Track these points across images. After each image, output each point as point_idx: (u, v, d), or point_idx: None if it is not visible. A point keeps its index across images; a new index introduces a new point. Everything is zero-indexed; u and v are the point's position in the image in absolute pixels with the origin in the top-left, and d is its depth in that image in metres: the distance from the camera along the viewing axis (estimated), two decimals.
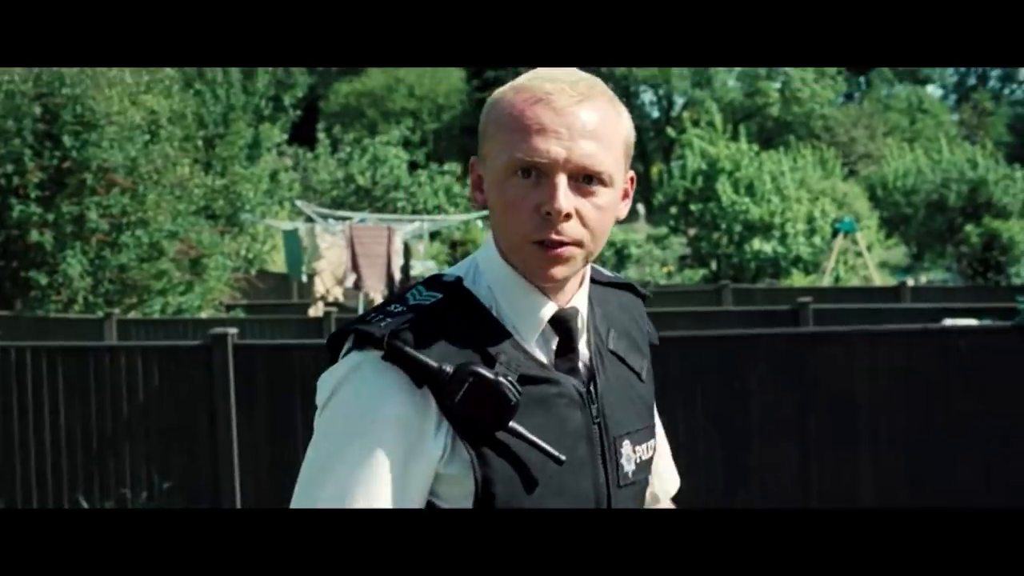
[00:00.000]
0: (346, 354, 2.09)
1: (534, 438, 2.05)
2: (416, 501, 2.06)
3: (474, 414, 2.02)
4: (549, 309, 2.15)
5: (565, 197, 2.04)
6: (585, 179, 2.07)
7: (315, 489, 2.10)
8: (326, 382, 2.11)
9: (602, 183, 2.09)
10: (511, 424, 2.03)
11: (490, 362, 2.05)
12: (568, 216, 2.05)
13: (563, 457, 2.06)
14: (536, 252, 2.07)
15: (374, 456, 2.02)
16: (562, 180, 2.05)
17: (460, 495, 2.06)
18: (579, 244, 2.09)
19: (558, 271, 2.10)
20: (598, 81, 2.16)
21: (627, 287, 2.43)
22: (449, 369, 2.01)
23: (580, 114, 2.07)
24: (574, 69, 2.17)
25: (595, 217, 2.09)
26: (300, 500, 2.13)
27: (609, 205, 2.11)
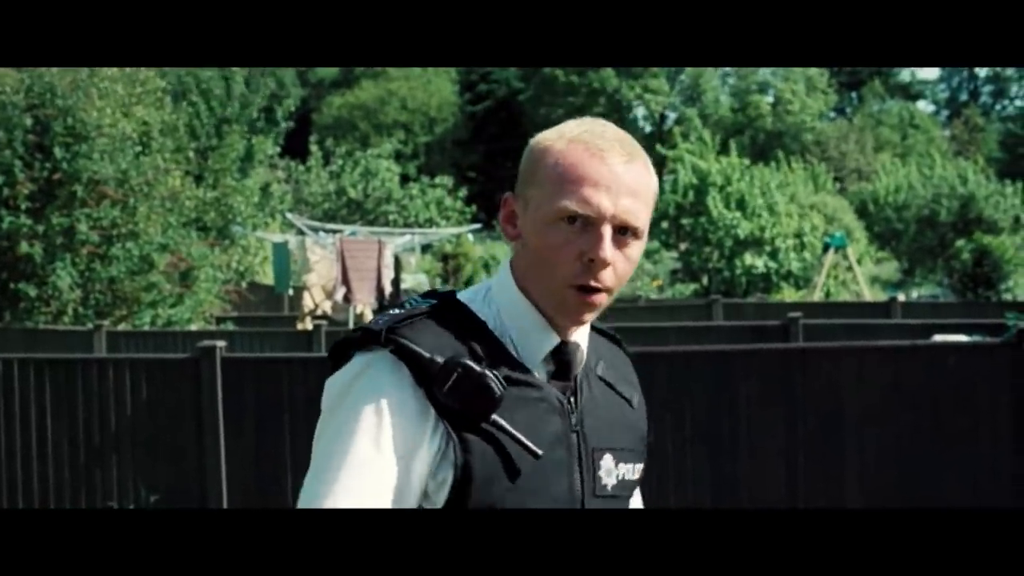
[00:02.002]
0: (351, 358, 2.19)
1: (514, 431, 2.14)
2: (416, 490, 2.13)
3: (460, 404, 2.11)
4: (553, 342, 2.27)
5: (609, 247, 2.18)
6: (622, 231, 2.21)
7: (327, 481, 2.13)
8: (336, 382, 2.20)
9: (636, 236, 2.23)
10: (494, 417, 2.12)
11: (477, 360, 2.15)
12: (608, 265, 2.19)
13: (540, 452, 2.15)
14: (575, 296, 2.21)
15: (383, 445, 2.11)
16: (607, 231, 2.19)
17: (445, 495, 2.14)
18: (610, 291, 2.23)
19: (588, 315, 2.26)
20: (637, 143, 2.29)
21: (616, 340, 2.54)
22: (440, 360, 2.12)
23: (627, 173, 2.22)
24: (614, 126, 2.31)
25: (625, 268, 2.24)
26: (312, 491, 2.15)
27: (637, 256, 2.27)
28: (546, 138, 2.27)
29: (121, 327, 18.80)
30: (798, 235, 34.32)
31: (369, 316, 20.82)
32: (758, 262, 33.61)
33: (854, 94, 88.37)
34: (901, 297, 26.14)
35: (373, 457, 2.10)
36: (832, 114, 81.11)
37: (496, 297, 2.30)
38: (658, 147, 56.38)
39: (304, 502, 2.14)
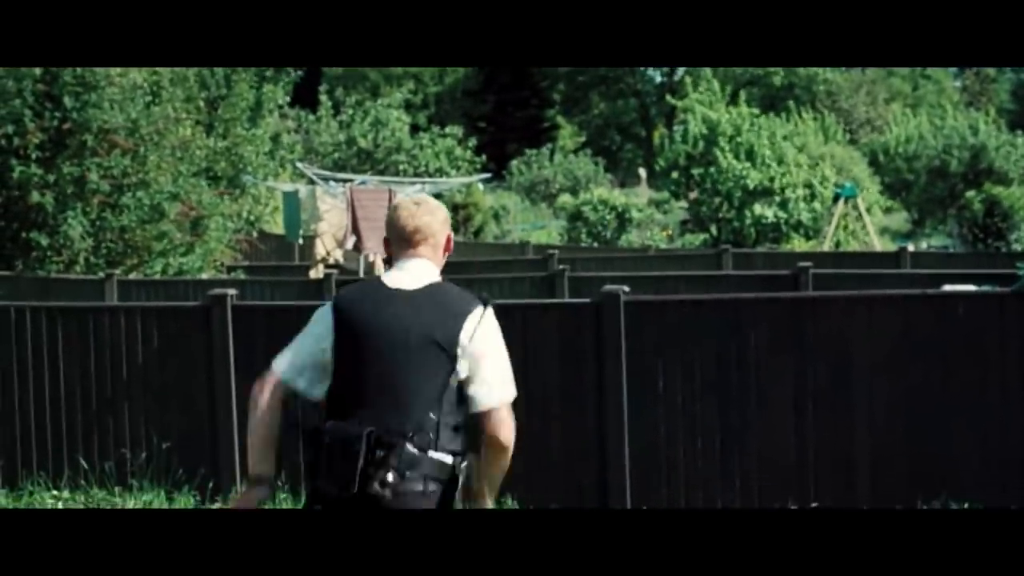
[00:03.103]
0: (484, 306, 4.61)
1: None
2: None
3: None
4: None
5: None
6: None
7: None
8: (492, 319, 4.61)
9: None
10: None
11: None
12: None
13: None
14: None
15: None
16: None
17: None
18: None
19: None
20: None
21: None
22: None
23: None
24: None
25: None
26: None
27: None
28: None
29: (132, 276, 18.86)
30: (808, 185, 34.22)
31: (380, 264, 20.86)
32: (768, 212, 33.53)
33: None
34: (911, 247, 26.10)
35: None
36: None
37: None
38: (668, 97, 56.15)
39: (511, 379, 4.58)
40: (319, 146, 39.98)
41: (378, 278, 4.76)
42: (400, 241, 4.72)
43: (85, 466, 9.82)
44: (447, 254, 4.79)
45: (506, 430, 4.47)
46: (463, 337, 4.41)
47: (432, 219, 4.72)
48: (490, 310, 4.52)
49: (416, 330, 4.45)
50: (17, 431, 10.01)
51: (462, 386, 4.45)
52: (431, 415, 4.37)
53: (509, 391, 4.53)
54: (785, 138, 35.58)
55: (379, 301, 4.59)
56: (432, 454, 4.34)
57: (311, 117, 41.72)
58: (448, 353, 4.41)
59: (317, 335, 4.81)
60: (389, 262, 4.71)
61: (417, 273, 4.63)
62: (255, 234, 26.13)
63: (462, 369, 4.43)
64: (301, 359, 4.85)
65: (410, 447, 4.29)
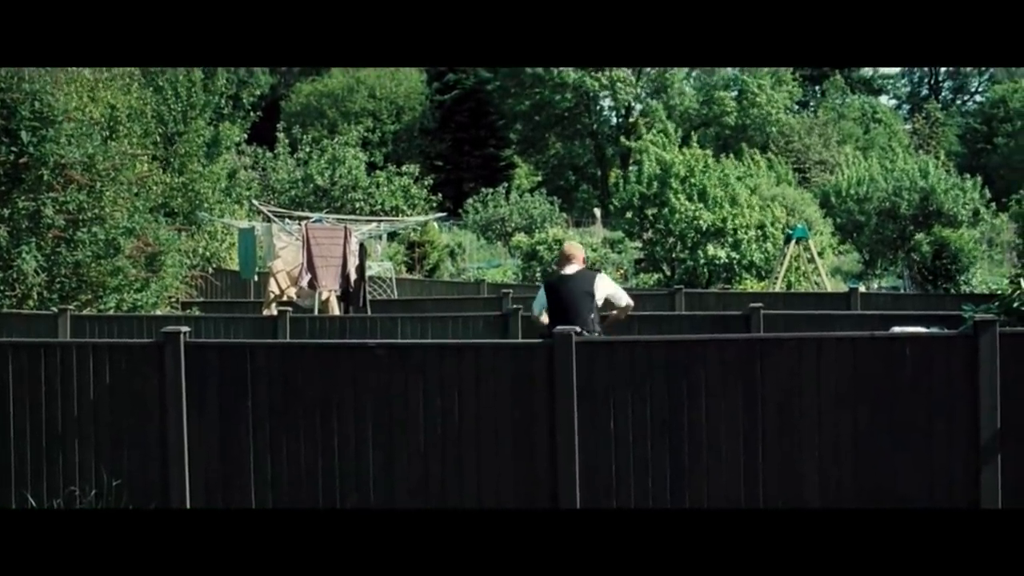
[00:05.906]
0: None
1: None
2: None
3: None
4: None
5: None
6: None
7: None
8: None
9: None
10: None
11: None
12: None
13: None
14: None
15: None
16: None
17: None
18: None
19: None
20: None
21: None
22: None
23: None
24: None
25: None
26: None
27: None
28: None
29: (86, 312, 18.80)
30: (760, 226, 34.50)
31: (334, 302, 20.87)
32: (721, 253, 33.77)
33: (817, 87, 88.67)
34: (862, 288, 26.31)
35: None
36: (795, 107, 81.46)
37: None
38: (622, 139, 56.48)
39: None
40: (276, 183, 40.00)
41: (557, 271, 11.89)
42: (564, 258, 11.72)
43: (32, 503, 9.77)
44: (586, 261, 11.80)
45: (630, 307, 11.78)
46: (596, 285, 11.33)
47: (578, 251, 11.71)
48: (603, 273, 11.91)
49: (577, 288, 11.33)
50: None
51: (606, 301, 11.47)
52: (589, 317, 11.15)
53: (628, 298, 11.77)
54: (739, 179, 35.89)
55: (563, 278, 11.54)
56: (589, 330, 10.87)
57: (268, 154, 41.76)
58: (591, 295, 11.29)
59: (541, 296, 11.79)
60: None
61: (573, 268, 11.47)
62: (211, 270, 26.09)
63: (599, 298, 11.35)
64: (540, 303, 11.75)
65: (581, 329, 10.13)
